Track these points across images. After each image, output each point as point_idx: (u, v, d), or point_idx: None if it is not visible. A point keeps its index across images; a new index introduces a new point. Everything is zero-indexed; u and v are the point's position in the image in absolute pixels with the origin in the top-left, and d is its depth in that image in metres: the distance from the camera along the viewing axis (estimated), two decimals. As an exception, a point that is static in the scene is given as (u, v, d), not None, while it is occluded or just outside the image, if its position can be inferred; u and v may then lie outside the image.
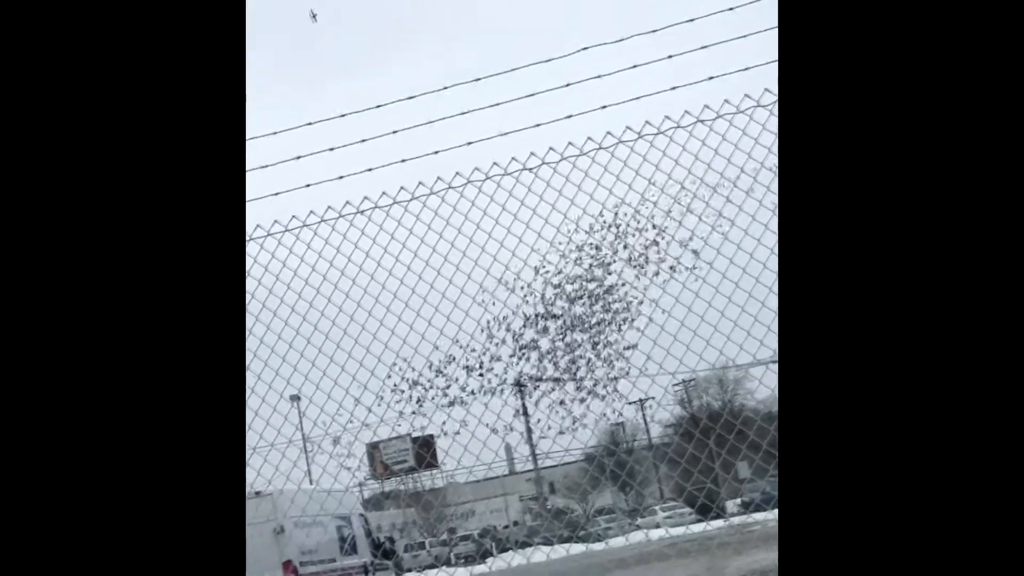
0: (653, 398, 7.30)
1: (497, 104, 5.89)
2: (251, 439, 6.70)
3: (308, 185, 5.99)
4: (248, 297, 6.33)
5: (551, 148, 5.83)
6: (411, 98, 5.94)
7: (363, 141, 5.91)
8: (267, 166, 6.01)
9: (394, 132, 5.85)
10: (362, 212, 5.99)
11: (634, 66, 5.80)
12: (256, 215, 6.20)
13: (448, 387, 6.72)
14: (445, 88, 5.99)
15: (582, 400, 6.89)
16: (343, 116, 6.02)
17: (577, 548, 26.10)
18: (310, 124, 6.02)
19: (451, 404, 6.95)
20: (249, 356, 6.54)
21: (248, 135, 6.06)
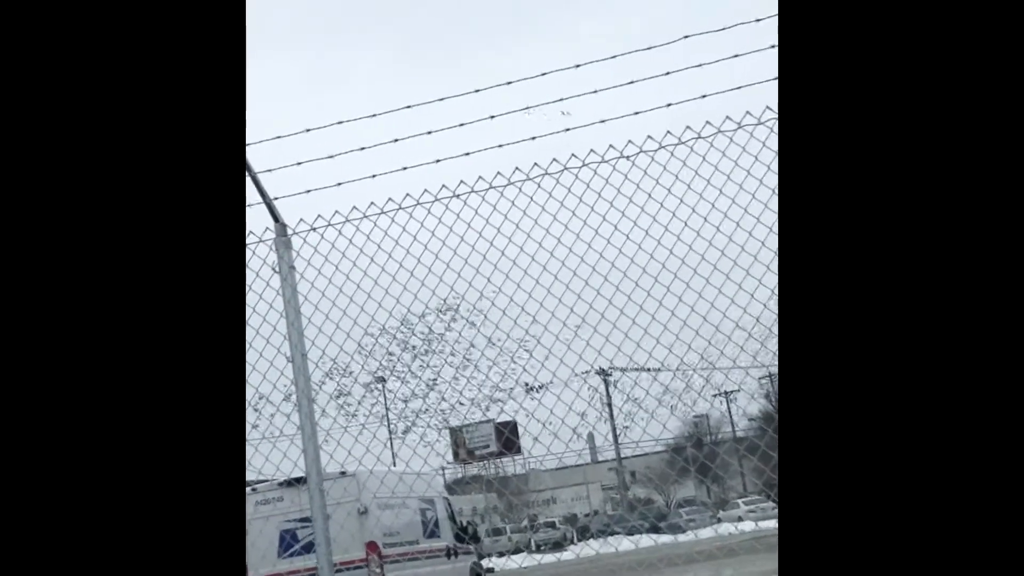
0: (739, 389, 7.25)
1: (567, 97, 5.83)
2: (327, 423, 6.83)
3: (405, 168, 6.04)
4: (342, 278, 6.45)
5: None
6: (507, 84, 5.94)
7: (461, 125, 5.92)
8: (365, 148, 6.07)
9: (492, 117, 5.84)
10: (458, 196, 6.07)
11: (699, 65, 5.72)
12: (352, 198, 6.31)
13: (524, 372, 6.75)
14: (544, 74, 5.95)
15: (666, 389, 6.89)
16: (409, 107, 6.05)
17: (664, 538, 26.00)
18: (408, 107, 6.06)
19: (532, 389, 7.00)
20: (326, 342, 6.67)
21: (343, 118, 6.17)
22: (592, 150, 5.85)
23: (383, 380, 7.52)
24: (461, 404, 7.10)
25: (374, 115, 5.85)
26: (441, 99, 5.90)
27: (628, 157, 5.78)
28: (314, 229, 6.38)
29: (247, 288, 6.60)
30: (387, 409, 8.27)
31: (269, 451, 6.97)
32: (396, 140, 5.88)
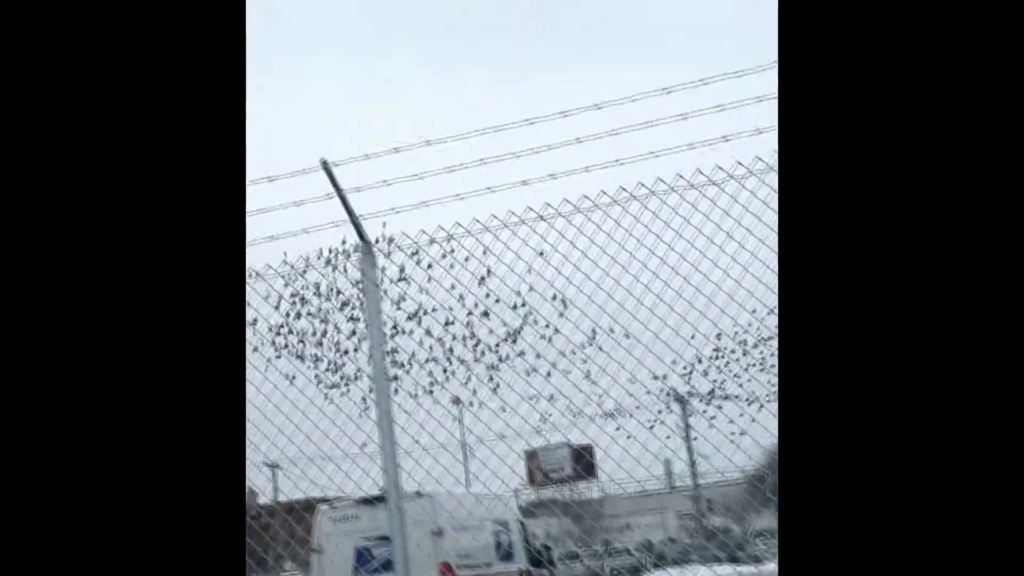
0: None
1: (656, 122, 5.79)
2: (405, 441, 6.84)
3: (491, 189, 6.04)
4: (426, 297, 6.47)
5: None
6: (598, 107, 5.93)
7: (548, 148, 5.92)
8: (452, 168, 6.10)
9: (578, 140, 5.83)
10: (543, 218, 6.06)
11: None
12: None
13: (603, 397, 6.70)
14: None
15: (744, 416, 6.76)
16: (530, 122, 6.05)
17: (745, 568, 25.52)
18: (530, 122, 6.06)
19: (609, 415, 6.93)
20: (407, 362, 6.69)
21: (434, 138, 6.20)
22: (679, 175, 5.79)
23: (459, 401, 7.52)
24: (540, 425, 7.06)
25: (462, 136, 5.87)
26: (529, 122, 5.89)
27: (717, 184, 5.71)
28: (400, 248, 6.41)
29: (331, 305, 6.66)
30: (463, 429, 8.27)
31: (350, 468, 7.00)
32: (483, 161, 5.89)
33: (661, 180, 5.80)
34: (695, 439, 7.10)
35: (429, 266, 6.55)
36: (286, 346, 7.10)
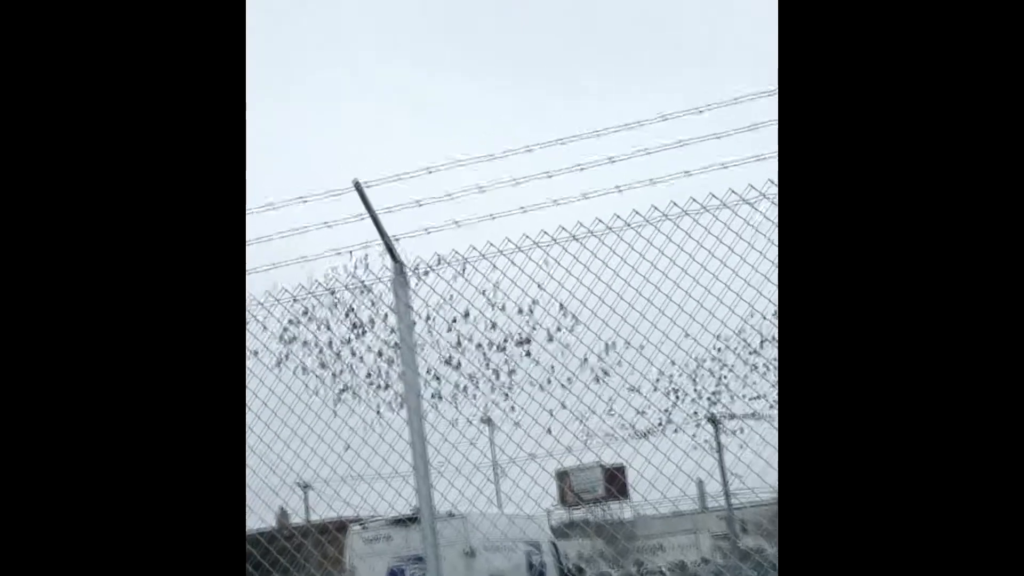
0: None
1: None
2: (438, 462, 6.84)
3: (523, 209, 6.05)
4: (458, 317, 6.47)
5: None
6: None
7: (580, 168, 5.91)
8: (483, 188, 6.12)
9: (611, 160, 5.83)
10: (576, 238, 6.06)
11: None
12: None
13: (639, 417, 6.66)
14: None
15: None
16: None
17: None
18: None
19: (642, 436, 6.89)
20: (437, 383, 6.69)
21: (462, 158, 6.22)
22: (711, 194, 5.77)
23: (490, 421, 7.51)
24: (573, 445, 7.03)
25: (493, 156, 5.89)
26: (561, 142, 5.90)
27: (750, 202, 5.68)
28: (432, 269, 6.42)
29: (362, 327, 6.67)
30: (494, 449, 8.25)
31: (383, 489, 7.01)
32: (515, 181, 5.90)
33: (694, 200, 5.80)
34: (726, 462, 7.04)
35: (457, 283, 6.55)
36: (323, 365, 7.13)
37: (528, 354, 6.70)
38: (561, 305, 6.38)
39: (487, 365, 6.78)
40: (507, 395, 6.85)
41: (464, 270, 6.47)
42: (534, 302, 6.47)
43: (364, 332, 6.81)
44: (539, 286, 6.37)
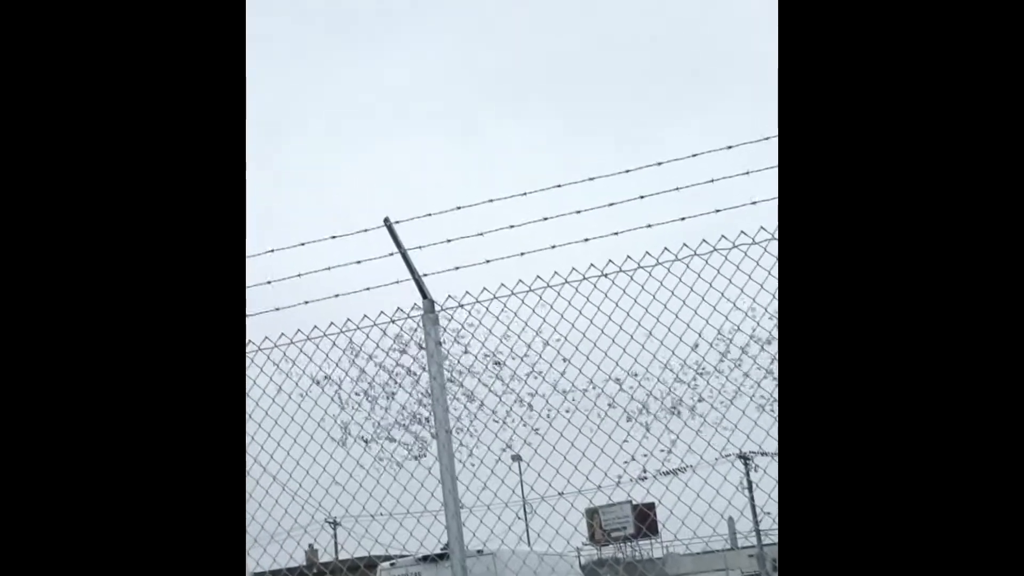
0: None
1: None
2: (468, 499, 6.83)
3: (553, 247, 6.09)
4: (487, 354, 6.49)
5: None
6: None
7: (611, 205, 5.94)
8: (514, 226, 6.16)
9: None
10: (606, 275, 6.07)
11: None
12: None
13: (669, 456, 6.63)
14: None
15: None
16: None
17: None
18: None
19: (672, 473, 6.86)
20: (465, 417, 6.69)
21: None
22: (742, 231, 5.78)
23: (519, 458, 7.49)
24: (605, 484, 7.00)
25: (524, 193, 5.93)
26: (591, 179, 5.94)
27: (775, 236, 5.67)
28: (462, 306, 6.45)
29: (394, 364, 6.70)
30: (521, 489, 8.23)
31: (413, 527, 7.00)
32: (545, 219, 5.93)
33: (725, 237, 5.80)
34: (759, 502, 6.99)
35: (493, 324, 6.58)
36: (357, 406, 7.15)
37: (562, 392, 6.70)
38: (582, 342, 6.39)
39: (518, 402, 6.78)
40: (537, 431, 6.84)
41: (493, 307, 6.49)
42: (564, 339, 6.48)
43: (407, 374, 6.83)
44: (570, 324, 6.38)
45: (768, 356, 6.06)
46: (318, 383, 7.18)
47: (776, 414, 6.22)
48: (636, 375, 6.34)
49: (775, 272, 5.83)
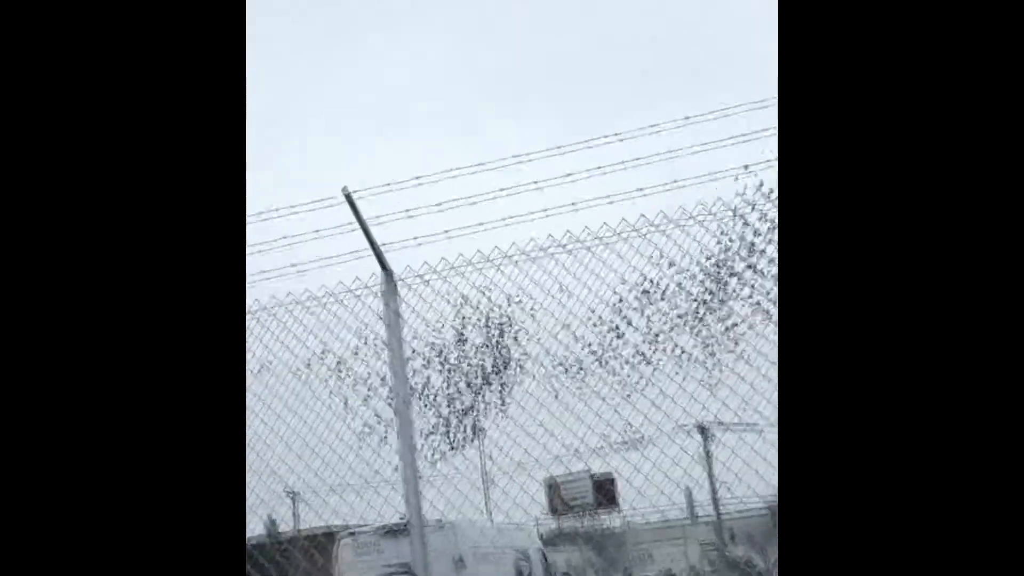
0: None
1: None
2: (427, 471, 6.85)
3: (511, 217, 6.06)
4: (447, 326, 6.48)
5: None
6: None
7: (569, 176, 5.94)
8: (472, 199, 6.13)
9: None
10: (565, 247, 6.07)
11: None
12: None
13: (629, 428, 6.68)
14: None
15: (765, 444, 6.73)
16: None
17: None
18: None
19: (632, 443, 6.91)
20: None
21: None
22: (700, 203, 5.81)
23: (482, 430, 7.53)
24: (563, 454, 7.04)
25: (482, 164, 5.91)
26: (551, 152, 5.93)
27: (761, 208, 5.71)
28: (420, 277, 6.44)
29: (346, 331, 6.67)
30: (483, 458, 8.27)
31: (371, 496, 7.01)
32: (504, 190, 5.92)
33: (683, 208, 5.83)
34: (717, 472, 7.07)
35: (452, 296, 6.57)
36: (312, 373, 7.13)
37: (521, 364, 6.72)
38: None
39: (477, 374, 6.79)
40: (499, 405, 6.87)
41: (453, 279, 6.49)
42: (531, 312, 6.49)
43: (364, 341, 6.81)
44: (528, 295, 6.39)
45: (724, 327, 6.12)
46: (277, 356, 7.15)
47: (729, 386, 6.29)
48: (591, 346, 6.37)
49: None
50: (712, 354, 6.10)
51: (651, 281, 6.08)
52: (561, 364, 6.67)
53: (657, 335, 6.16)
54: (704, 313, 6.04)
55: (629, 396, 6.38)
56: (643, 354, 6.23)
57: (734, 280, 6.02)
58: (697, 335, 6.13)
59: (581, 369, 6.52)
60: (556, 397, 6.70)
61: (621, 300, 6.19)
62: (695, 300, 6.06)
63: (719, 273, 6.04)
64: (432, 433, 6.93)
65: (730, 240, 5.98)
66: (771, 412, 5.95)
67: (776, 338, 5.98)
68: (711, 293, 6.03)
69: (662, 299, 6.08)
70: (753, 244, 5.93)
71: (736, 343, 6.11)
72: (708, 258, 5.99)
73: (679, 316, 6.08)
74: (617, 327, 6.26)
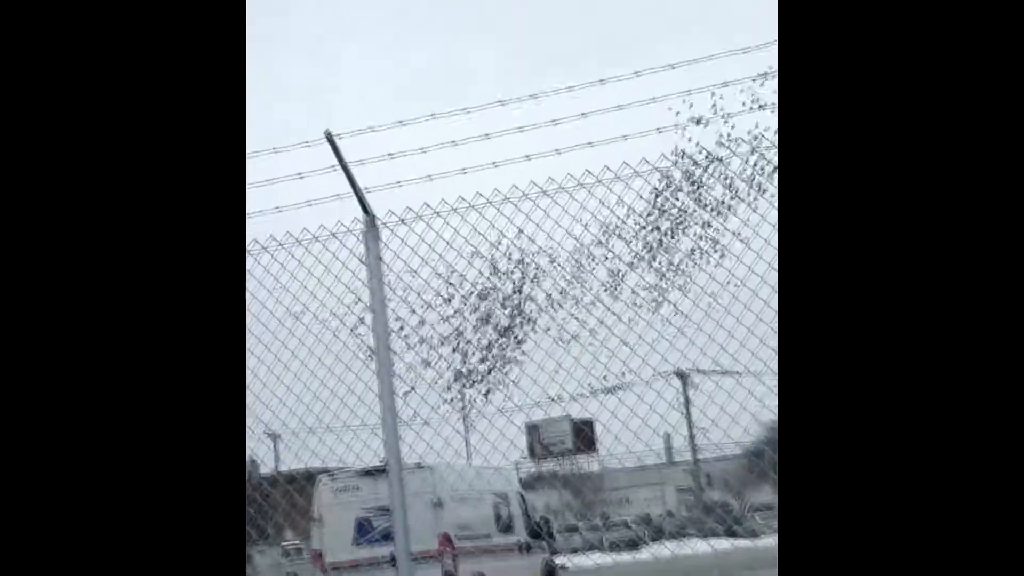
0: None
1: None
2: (406, 414, 6.89)
3: (495, 164, 6.05)
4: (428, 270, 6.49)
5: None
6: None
7: (554, 122, 5.92)
8: (456, 143, 6.12)
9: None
10: (546, 193, 6.07)
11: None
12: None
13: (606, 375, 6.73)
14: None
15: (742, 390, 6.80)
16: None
17: (741, 542, 25.64)
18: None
19: (612, 390, 6.96)
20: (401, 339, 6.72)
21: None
22: (683, 152, 5.81)
23: (463, 375, 7.55)
24: (542, 400, 7.10)
25: (466, 110, 5.87)
26: (535, 96, 5.90)
27: (757, 152, 5.72)
28: (403, 221, 6.42)
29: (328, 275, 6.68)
30: (464, 402, 8.31)
31: (350, 439, 7.05)
32: (488, 136, 5.89)
33: (663, 155, 5.82)
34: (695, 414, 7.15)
35: (433, 240, 6.56)
36: (293, 316, 7.13)
37: (506, 308, 6.74)
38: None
39: (459, 320, 6.81)
40: (483, 349, 6.89)
41: (436, 223, 6.48)
42: (512, 257, 6.50)
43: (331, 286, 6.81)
44: (511, 241, 6.39)
45: (705, 276, 6.15)
46: (258, 298, 7.14)
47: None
48: (573, 295, 6.39)
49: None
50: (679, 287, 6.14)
51: (634, 232, 6.09)
52: (544, 310, 6.69)
53: (621, 273, 6.20)
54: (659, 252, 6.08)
55: (606, 340, 6.42)
56: (626, 302, 6.26)
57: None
58: (662, 276, 6.17)
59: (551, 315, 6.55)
60: (537, 344, 6.74)
61: (600, 243, 6.20)
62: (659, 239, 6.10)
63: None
64: (412, 376, 6.97)
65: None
66: (747, 358, 6.01)
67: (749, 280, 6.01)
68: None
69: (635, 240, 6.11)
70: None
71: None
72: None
73: (639, 257, 6.11)
74: (597, 267, 6.29)
